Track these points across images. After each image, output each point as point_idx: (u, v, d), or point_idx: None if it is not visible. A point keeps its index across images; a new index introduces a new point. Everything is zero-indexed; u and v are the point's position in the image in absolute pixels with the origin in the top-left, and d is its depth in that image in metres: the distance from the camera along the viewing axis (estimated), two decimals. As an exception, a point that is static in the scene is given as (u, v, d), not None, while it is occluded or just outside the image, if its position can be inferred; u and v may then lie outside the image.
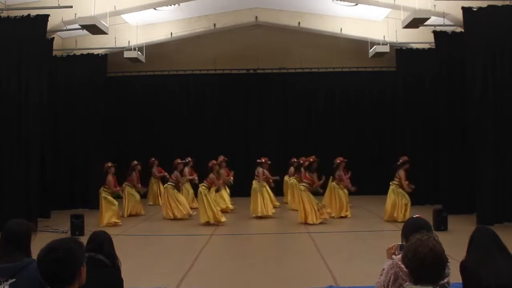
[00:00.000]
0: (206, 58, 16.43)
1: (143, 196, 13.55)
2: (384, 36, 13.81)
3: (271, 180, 12.88)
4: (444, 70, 11.98)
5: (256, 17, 14.48)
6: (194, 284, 6.32)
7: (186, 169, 13.25)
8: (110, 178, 11.39)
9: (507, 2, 10.30)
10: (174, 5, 13.28)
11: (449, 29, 12.30)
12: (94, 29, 10.92)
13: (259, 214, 11.83)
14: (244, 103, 16.89)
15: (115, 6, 11.86)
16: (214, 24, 14.52)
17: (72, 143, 13.96)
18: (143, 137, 16.59)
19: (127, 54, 13.77)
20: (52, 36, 12.11)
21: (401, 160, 11.11)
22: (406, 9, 11.40)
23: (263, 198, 12.02)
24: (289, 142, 16.65)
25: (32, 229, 3.26)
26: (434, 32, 12.27)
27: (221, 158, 13.57)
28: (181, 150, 15.66)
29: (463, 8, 10.36)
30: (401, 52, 14.39)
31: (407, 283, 2.58)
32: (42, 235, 8.83)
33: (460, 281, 3.65)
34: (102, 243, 3.61)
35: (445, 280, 2.93)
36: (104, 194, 11.18)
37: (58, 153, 13.51)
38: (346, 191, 11.96)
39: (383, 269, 3.23)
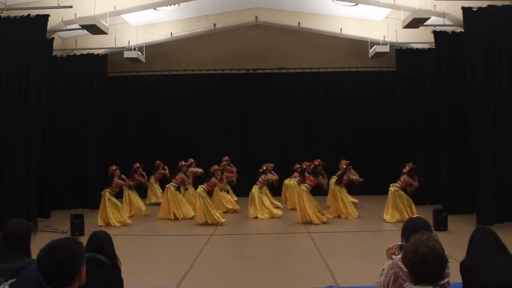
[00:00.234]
0: (206, 58, 16.42)
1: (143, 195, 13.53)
2: (384, 36, 13.80)
3: (274, 177, 12.79)
4: (444, 70, 11.98)
5: (256, 17, 14.47)
6: (194, 284, 6.31)
7: (190, 170, 13.23)
8: (118, 180, 11.41)
9: (507, 2, 10.30)
10: (174, 5, 13.27)
11: (449, 29, 12.30)
12: (94, 29, 10.92)
13: (254, 216, 11.90)
14: (244, 103, 16.88)
15: (115, 6, 11.85)
16: (214, 24, 14.51)
17: (72, 143, 13.95)
18: (143, 137, 16.59)
19: (127, 54, 13.77)
20: (52, 36, 12.10)
21: (407, 167, 11.04)
22: (406, 9, 11.40)
23: (262, 203, 12.05)
24: (289, 142, 16.66)
25: (32, 229, 3.26)
26: (434, 32, 12.28)
27: (226, 159, 13.55)
28: (181, 150, 15.69)
29: (463, 8, 10.36)
30: (401, 52, 14.39)
31: (407, 283, 2.58)
32: (42, 235, 8.83)
33: (460, 281, 3.65)
34: (102, 243, 3.61)
35: (445, 280, 2.93)
36: (108, 195, 11.16)
37: (58, 153, 13.51)
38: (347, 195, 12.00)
39: (383, 269, 3.23)
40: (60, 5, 10.73)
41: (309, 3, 13.86)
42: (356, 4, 13.15)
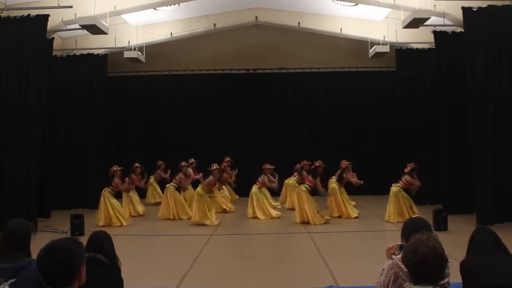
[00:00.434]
0: (206, 58, 16.42)
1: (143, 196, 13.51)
2: (384, 36, 13.80)
3: (274, 185, 12.78)
4: (444, 70, 11.98)
5: (256, 17, 14.47)
6: (194, 284, 6.31)
7: (190, 170, 13.23)
8: (117, 180, 11.43)
9: (507, 2, 10.30)
10: (174, 5, 13.27)
11: (449, 29, 12.30)
12: (94, 29, 10.91)
13: (253, 216, 11.92)
14: (244, 103, 16.88)
15: (115, 6, 11.85)
16: (214, 24, 14.51)
17: (72, 143, 13.95)
18: (143, 137, 16.59)
19: (127, 54, 13.77)
20: (52, 36, 12.10)
21: (408, 167, 11.03)
22: (406, 9, 11.40)
23: (262, 202, 12.06)
24: (289, 142, 16.66)
25: (32, 229, 3.26)
26: (434, 32, 12.27)
27: (227, 160, 13.53)
28: (181, 150, 15.70)
29: (463, 8, 10.36)
30: (401, 52, 14.39)
31: (407, 283, 2.58)
32: (42, 235, 8.82)
33: (460, 281, 3.65)
34: (102, 243, 3.61)
35: (445, 280, 2.93)
36: (107, 194, 11.15)
37: (58, 153, 13.51)
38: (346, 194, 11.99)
39: (383, 269, 3.23)
40: (60, 5, 10.73)
41: (309, 3, 13.86)
42: (356, 4, 13.15)
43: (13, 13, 10.65)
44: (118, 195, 11.89)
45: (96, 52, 14.35)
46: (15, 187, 10.15)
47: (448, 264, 2.63)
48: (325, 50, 16.02)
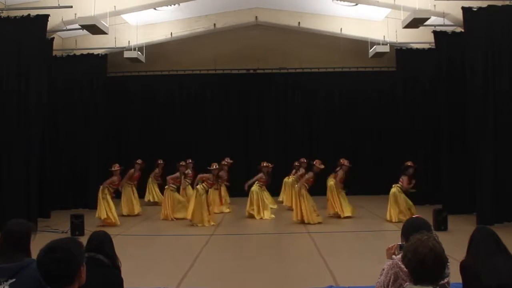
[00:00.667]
0: (206, 58, 16.43)
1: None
2: (384, 36, 13.80)
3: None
4: (444, 70, 11.98)
5: (256, 17, 14.47)
6: (194, 284, 6.32)
7: (188, 171, 13.22)
8: (115, 179, 11.44)
9: (507, 2, 10.30)
10: (174, 5, 13.27)
11: (449, 29, 12.30)
12: (94, 29, 10.91)
13: (252, 215, 11.95)
14: (244, 103, 16.88)
15: (115, 6, 11.85)
16: (214, 24, 14.51)
17: (72, 143, 13.96)
18: (143, 137, 16.60)
19: (127, 54, 13.76)
20: (52, 36, 12.10)
21: (406, 164, 11.05)
22: (406, 9, 11.40)
23: (261, 201, 12.06)
24: (289, 142, 16.66)
25: (32, 229, 3.26)
26: (434, 32, 12.27)
27: (226, 161, 13.51)
28: (181, 150, 15.69)
29: (463, 8, 10.36)
30: (401, 52, 14.39)
31: (407, 283, 2.58)
32: (42, 235, 8.82)
33: (460, 281, 3.65)
34: (102, 243, 3.61)
35: (445, 280, 2.93)
36: (106, 191, 11.13)
37: (58, 153, 13.51)
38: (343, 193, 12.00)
39: (383, 269, 3.23)
40: (60, 5, 10.73)
41: (309, 3, 13.86)
42: (356, 4, 13.15)
43: (13, 13, 10.64)
44: (117, 195, 11.89)
45: (96, 52, 14.35)
46: (15, 187, 10.15)
47: (448, 264, 2.63)
48: (325, 50, 16.02)
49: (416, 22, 10.83)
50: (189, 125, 16.64)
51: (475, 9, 10.27)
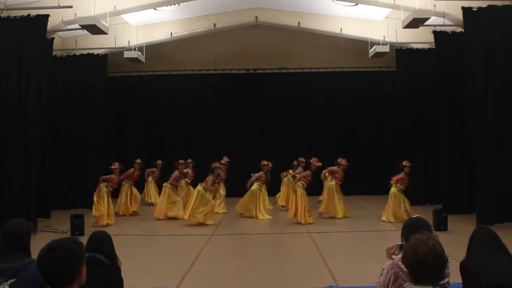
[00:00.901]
0: (206, 58, 16.43)
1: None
2: (384, 36, 13.80)
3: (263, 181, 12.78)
4: (444, 70, 11.98)
5: (256, 17, 14.48)
6: (194, 284, 6.31)
7: (188, 170, 13.23)
8: (114, 176, 11.44)
9: (507, 2, 10.29)
10: (174, 5, 13.27)
11: (449, 29, 12.30)
12: (94, 29, 10.91)
13: (247, 214, 11.95)
14: (244, 103, 16.89)
15: (115, 6, 11.85)
16: (214, 24, 14.51)
17: (72, 143, 13.96)
18: (143, 137, 16.62)
19: (127, 54, 13.77)
20: (52, 36, 12.10)
21: (403, 163, 11.05)
22: (406, 9, 11.40)
23: (258, 201, 12.06)
24: (289, 142, 16.64)
25: (32, 229, 3.27)
26: (434, 32, 12.28)
27: (225, 160, 13.51)
28: (181, 149, 15.72)
29: (463, 8, 10.36)
30: (401, 52, 14.40)
31: (407, 283, 2.59)
32: (42, 235, 8.85)
33: (460, 281, 3.65)
34: (102, 243, 3.61)
35: (445, 280, 2.93)
36: (105, 189, 11.11)
37: (58, 153, 13.51)
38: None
39: (383, 269, 3.23)
40: (60, 5, 10.73)
41: (309, 3, 13.86)
42: (356, 4, 13.15)
43: (13, 13, 10.64)
44: (115, 195, 11.89)
45: (96, 52, 14.35)
46: (15, 187, 10.15)
47: (448, 264, 2.63)
48: (325, 50, 16.02)
49: (416, 22, 10.82)
50: (189, 125, 16.66)
51: (475, 9, 10.28)
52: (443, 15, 11.50)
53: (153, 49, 14.69)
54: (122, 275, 3.62)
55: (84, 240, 2.98)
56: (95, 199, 10.98)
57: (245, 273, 6.95)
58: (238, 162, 14.62)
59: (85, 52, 14.26)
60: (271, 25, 14.86)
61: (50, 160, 12.51)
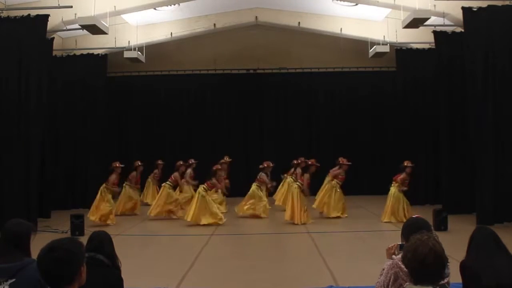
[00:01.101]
0: (206, 58, 16.43)
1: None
2: (384, 36, 13.80)
3: (269, 186, 12.80)
4: (444, 70, 11.98)
5: (256, 17, 14.47)
6: (194, 284, 6.32)
7: (189, 171, 13.22)
8: (114, 177, 11.43)
9: (507, 2, 10.29)
10: (174, 5, 13.27)
11: (449, 29, 12.30)
12: (94, 29, 10.91)
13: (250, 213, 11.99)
14: (244, 103, 16.88)
15: (115, 6, 11.85)
16: (214, 24, 14.51)
17: (72, 143, 13.96)
18: (143, 137, 16.61)
19: (127, 54, 13.76)
20: (52, 36, 12.10)
21: (405, 163, 11.04)
22: (406, 9, 11.40)
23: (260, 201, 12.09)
24: (289, 142, 16.64)
25: (31, 229, 3.27)
26: (434, 32, 12.28)
27: (226, 159, 13.52)
28: (181, 150, 15.72)
29: (463, 8, 10.36)
30: (401, 52, 14.40)
31: (407, 283, 2.59)
32: (42, 235, 8.85)
33: (460, 281, 3.65)
34: (102, 243, 3.61)
35: (445, 280, 2.93)
36: (104, 191, 11.15)
37: (58, 153, 13.51)
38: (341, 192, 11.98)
39: (383, 269, 3.23)
40: (60, 5, 10.72)
41: (309, 3, 13.86)
42: (356, 4, 13.15)
43: (13, 13, 10.64)
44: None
45: (96, 52, 14.35)
46: (15, 187, 10.15)
47: (448, 264, 2.63)
48: (325, 50, 16.02)
49: (416, 22, 10.82)
50: (189, 125, 16.65)
51: (475, 9, 10.27)
52: (443, 15, 11.50)
53: (153, 49, 14.69)
54: (122, 275, 3.62)
55: (84, 240, 2.98)
56: (96, 203, 11.00)
57: (245, 273, 6.95)
58: (238, 162, 14.61)
59: (85, 52, 14.26)
60: (271, 25, 14.86)
61: (50, 160, 12.51)
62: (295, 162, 13.37)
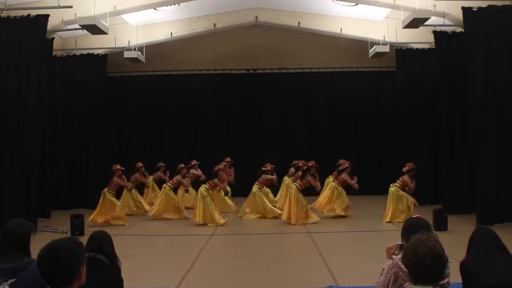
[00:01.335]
0: (206, 58, 16.42)
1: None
2: (384, 36, 13.81)
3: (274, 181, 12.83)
4: (444, 70, 11.98)
5: (256, 17, 14.47)
6: (194, 284, 6.32)
7: (193, 171, 13.20)
8: (117, 179, 11.45)
9: (507, 2, 10.30)
10: (174, 5, 13.27)
11: (449, 29, 12.30)
12: (94, 29, 10.92)
13: (246, 217, 11.96)
14: (244, 103, 16.87)
15: (115, 6, 11.85)
16: (214, 24, 14.51)
17: (72, 143, 13.97)
18: (143, 137, 16.59)
19: (127, 54, 13.77)
20: (52, 36, 12.10)
21: (407, 167, 10.99)
22: (406, 9, 11.40)
23: (263, 202, 12.07)
24: (289, 143, 16.65)
25: (31, 229, 3.26)
26: (434, 32, 12.28)
27: (227, 160, 13.51)
28: (181, 150, 15.70)
29: (463, 8, 10.36)
30: (401, 52, 14.40)
31: (407, 283, 2.59)
32: (42, 235, 8.83)
33: (460, 281, 3.65)
34: (102, 243, 3.61)
35: (445, 280, 2.93)
36: (108, 195, 11.16)
37: (58, 153, 13.51)
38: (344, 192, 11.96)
39: (383, 269, 3.23)
40: (60, 5, 10.72)
41: (309, 3, 13.86)
42: (356, 4, 13.15)
43: (13, 13, 10.64)
44: (117, 195, 11.89)
45: (96, 52, 14.35)
46: (15, 187, 10.15)
47: (448, 264, 2.63)
48: (325, 50, 16.02)
49: (416, 22, 10.83)
50: (189, 125, 16.64)
51: (475, 9, 10.28)
52: (443, 15, 11.50)
53: (153, 49, 14.70)
54: (123, 275, 3.63)
55: (84, 240, 2.98)
56: (99, 207, 11.06)
57: (245, 272, 6.96)
58: (238, 162, 14.60)
59: (85, 52, 14.27)
60: (271, 25, 14.86)
61: (50, 160, 12.52)
62: (295, 162, 13.37)
